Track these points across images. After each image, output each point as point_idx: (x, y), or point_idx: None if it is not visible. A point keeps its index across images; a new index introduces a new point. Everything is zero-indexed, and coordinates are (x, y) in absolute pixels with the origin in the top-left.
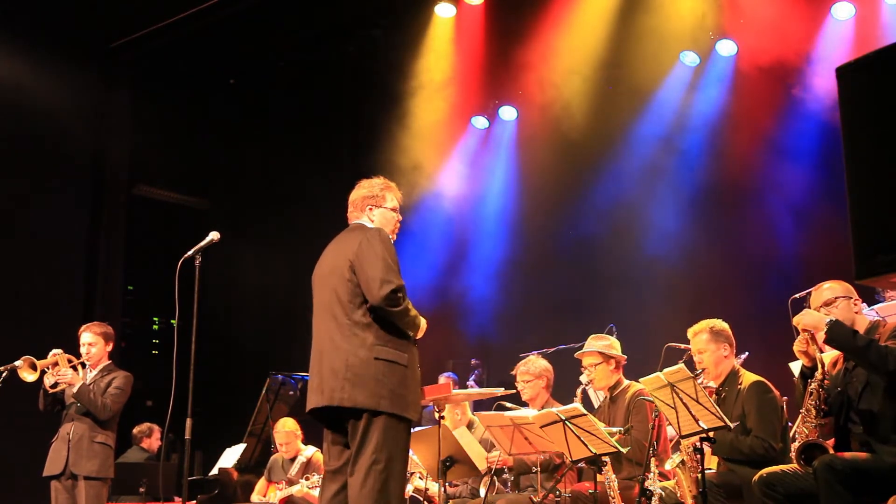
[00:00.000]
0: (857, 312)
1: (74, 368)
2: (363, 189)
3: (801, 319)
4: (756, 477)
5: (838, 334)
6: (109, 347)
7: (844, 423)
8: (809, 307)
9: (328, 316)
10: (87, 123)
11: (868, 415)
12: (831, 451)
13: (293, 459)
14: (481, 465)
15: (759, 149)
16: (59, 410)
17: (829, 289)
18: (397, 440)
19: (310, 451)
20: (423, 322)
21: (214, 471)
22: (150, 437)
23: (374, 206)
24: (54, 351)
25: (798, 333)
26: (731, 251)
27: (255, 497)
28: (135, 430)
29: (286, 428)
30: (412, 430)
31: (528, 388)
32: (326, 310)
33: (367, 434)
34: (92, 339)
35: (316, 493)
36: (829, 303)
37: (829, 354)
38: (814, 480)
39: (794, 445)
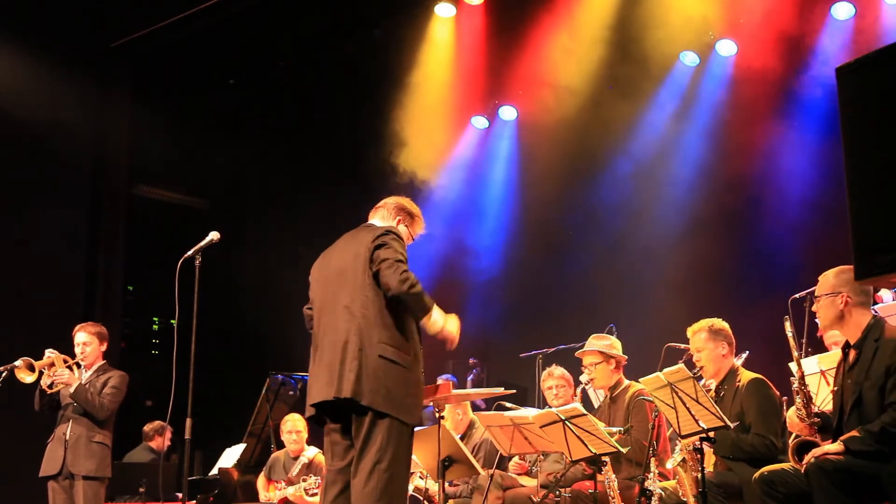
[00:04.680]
0: (841, 308)
1: (70, 369)
2: (405, 202)
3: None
4: (757, 475)
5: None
6: (104, 347)
7: (839, 427)
8: (809, 308)
9: (338, 309)
10: (86, 123)
11: (856, 427)
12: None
13: (296, 458)
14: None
15: (758, 149)
16: (54, 411)
17: (823, 281)
18: (401, 441)
19: (312, 451)
20: (449, 320)
21: (214, 471)
22: (162, 437)
23: (404, 222)
24: (49, 351)
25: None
26: (731, 251)
27: (262, 496)
28: (146, 428)
29: (296, 425)
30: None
31: (563, 392)
32: (336, 303)
33: (371, 434)
34: (87, 339)
35: (310, 497)
36: (816, 299)
37: (833, 355)
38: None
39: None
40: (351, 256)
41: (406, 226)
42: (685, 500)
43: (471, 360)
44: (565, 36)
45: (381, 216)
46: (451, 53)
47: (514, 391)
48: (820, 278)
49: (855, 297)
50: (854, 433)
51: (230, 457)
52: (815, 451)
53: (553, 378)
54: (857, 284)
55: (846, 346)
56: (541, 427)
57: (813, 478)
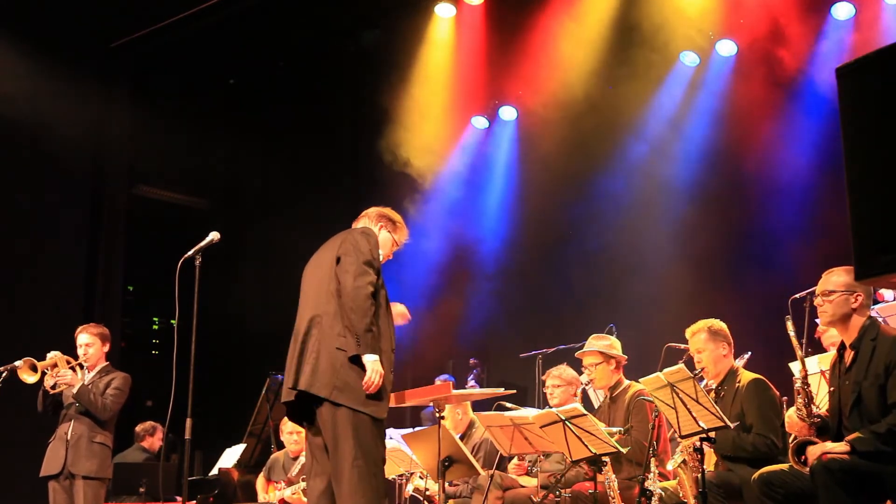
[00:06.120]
0: (853, 307)
1: (73, 370)
2: (386, 210)
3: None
4: (756, 475)
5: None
6: (106, 348)
7: (838, 428)
8: (809, 308)
9: (306, 310)
10: (86, 123)
11: (858, 426)
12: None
13: (295, 459)
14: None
15: (758, 149)
16: (57, 411)
17: (834, 278)
18: (370, 435)
19: None
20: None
21: (214, 471)
22: (153, 437)
23: (386, 228)
24: (52, 353)
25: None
26: (731, 251)
27: (260, 496)
28: (137, 429)
29: (296, 426)
30: (413, 430)
31: (559, 393)
32: (306, 305)
33: (339, 431)
34: (89, 340)
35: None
36: (826, 294)
37: (828, 356)
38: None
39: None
40: (323, 258)
41: (389, 231)
42: (685, 500)
43: (471, 361)
44: (565, 36)
45: (363, 225)
46: (451, 53)
47: (514, 391)
48: (824, 275)
49: (866, 299)
50: (860, 434)
51: (230, 457)
52: (819, 449)
53: (550, 377)
54: (867, 286)
55: (841, 347)
56: (541, 427)
57: (818, 478)
